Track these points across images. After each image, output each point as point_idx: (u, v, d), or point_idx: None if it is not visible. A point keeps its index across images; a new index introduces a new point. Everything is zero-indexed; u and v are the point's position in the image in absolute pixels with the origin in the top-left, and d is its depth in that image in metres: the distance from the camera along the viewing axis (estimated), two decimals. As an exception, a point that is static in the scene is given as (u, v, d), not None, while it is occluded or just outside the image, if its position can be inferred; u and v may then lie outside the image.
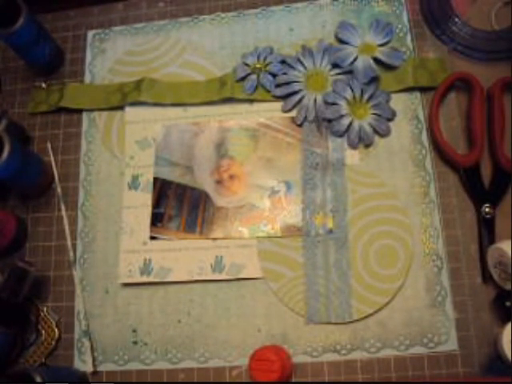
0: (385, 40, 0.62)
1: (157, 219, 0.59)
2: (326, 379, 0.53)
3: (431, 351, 0.52)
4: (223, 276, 0.56)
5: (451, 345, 0.52)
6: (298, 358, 0.54)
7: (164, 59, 0.66)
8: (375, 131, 0.59)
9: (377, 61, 0.60)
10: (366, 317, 0.54)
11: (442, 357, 0.52)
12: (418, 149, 0.58)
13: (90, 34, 0.69)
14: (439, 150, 0.58)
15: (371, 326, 0.54)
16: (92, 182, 0.62)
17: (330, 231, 0.56)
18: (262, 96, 0.61)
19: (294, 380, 0.53)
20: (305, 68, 0.61)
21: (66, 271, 0.60)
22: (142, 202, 0.60)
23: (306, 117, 0.60)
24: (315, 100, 0.60)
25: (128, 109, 0.64)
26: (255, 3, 0.67)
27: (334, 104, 0.59)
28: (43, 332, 0.58)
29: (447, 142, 0.57)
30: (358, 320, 0.54)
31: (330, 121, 0.59)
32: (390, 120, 0.59)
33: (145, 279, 0.57)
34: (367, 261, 0.55)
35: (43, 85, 0.67)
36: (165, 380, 0.55)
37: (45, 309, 0.58)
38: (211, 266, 0.57)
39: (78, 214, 0.61)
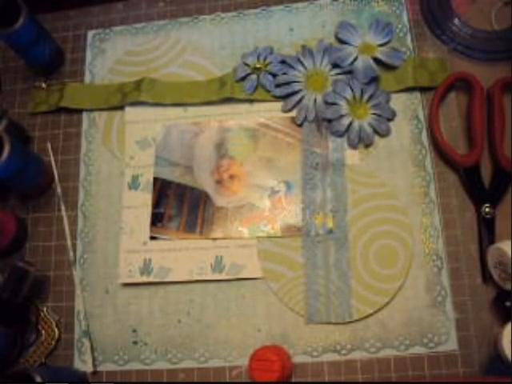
0: (385, 40, 0.62)
1: (157, 219, 0.59)
2: (326, 379, 0.53)
3: (431, 351, 0.52)
4: (223, 276, 0.56)
5: (451, 345, 0.52)
6: (298, 358, 0.54)
7: (164, 59, 0.66)
8: (375, 131, 0.59)
9: (377, 61, 0.60)
10: (366, 317, 0.54)
11: (442, 357, 0.52)
12: (417, 149, 0.58)
13: (90, 33, 0.69)
14: (439, 149, 0.58)
15: (371, 325, 0.54)
16: (92, 181, 0.62)
17: (330, 231, 0.56)
18: (261, 96, 0.61)
19: (294, 380, 0.53)
20: (305, 68, 0.61)
21: (66, 271, 0.60)
22: (142, 201, 0.60)
23: (305, 117, 0.60)
24: (315, 100, 0.60)
25: (128, 109, 0.64)
26: (255, 3, 0.67)
27: (334, 104, 0.59)
28: (43, 332, 0.57)
29: (447, 142, 0.57)
30: (358, 320, 0.54)
31: (330, 121, 0.59)
32: (390, 120, 0.59)
33: (145, 279, 0.57)
34: (367, 261, 0.55)
35: (43, 85, 0.67)
36: (165, 380, 0.55)
37: (45, 309, 0.58)
38: (211, 266, 0.57)
39: (78, 214, 0.61)
